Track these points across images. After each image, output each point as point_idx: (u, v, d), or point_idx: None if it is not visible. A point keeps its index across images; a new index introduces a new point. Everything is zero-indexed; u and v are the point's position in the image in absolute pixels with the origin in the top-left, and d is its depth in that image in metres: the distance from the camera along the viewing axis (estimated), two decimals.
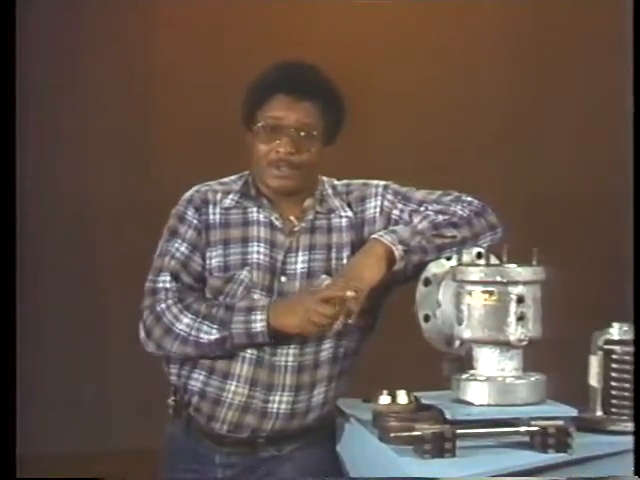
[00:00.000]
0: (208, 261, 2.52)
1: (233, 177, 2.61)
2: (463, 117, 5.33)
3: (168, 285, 2.51)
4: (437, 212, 2.49)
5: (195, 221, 2.54)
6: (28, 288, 4.10)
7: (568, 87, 5.42)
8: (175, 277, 2.52)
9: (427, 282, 2.48)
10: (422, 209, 2.51)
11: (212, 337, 2.45)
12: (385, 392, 2.41)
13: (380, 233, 2.46)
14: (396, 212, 2.54)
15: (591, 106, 5.38)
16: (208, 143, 4.86)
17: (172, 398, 2.59)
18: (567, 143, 5.41)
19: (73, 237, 5.08)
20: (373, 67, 5.21)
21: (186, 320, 2.47)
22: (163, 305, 2.50)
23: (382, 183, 2.60)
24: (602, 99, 5.35)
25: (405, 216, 2.52)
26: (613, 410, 2.42)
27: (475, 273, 2.35)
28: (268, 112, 2.49)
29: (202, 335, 2.45)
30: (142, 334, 2.52)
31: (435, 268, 2.49)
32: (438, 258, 2.48)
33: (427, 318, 2.48)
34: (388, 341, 4.37)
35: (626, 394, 2.40)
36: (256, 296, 2.49)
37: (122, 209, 4.97)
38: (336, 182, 2.61)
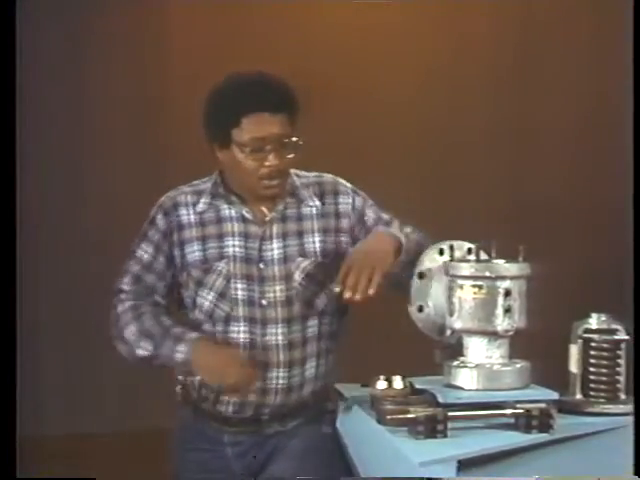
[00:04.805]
0: (186, 257, 2.64)
1: (204, 179, 2.73)
2: (458, 117, 5.33)
3: (127, 287, 2.67)
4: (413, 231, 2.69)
5: (163, 225, 2.67)
6: (27, 276, 4.10)
7: (563, 90, 5.36)
8: (136, 279, 2.67)
9: (421, 275, 2.58)
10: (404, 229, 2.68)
11: (146, 353, 2.61)
12: (382, 378, 2.53)
13: (384, 227, 2.64)
14: (370, 213, 2.72)
15: (585, 109, 5.38)
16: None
17: (179, 387, 2.74)
18: (556, 147, 5.36)
19: (73, 237, 5.09)
20: (370, 74, 5.18)
21: (133, 329, 2.62)
22: (120, 308, 2.66)
23: (349, 185, 2.76)
24: (596, 101, 5.33)
25: (374, 222, 2.69)
26: (591, 393, 2.53)
27: (466, 268, 2.47)
28: (250, 133, 2.57)
29: (139, 350, 2.61)
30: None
31: (429, 263, 2.59)
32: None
33: (421, 309, 2.58)
34: (384, 330, 4.50)
35: (603, 379, 2.52)
36: (193, 334, 2.60)
37: (129, 210, 4.94)
38: (305, 173, 2.74)
